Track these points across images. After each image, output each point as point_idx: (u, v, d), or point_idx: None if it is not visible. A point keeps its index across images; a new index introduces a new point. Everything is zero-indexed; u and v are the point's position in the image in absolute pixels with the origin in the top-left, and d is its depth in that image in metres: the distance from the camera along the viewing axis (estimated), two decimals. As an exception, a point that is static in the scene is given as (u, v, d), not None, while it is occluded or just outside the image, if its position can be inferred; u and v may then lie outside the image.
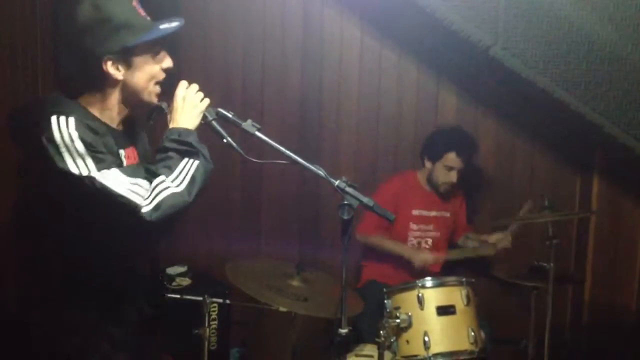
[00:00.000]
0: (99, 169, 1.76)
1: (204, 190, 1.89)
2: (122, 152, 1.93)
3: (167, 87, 1.98)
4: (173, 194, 1.81)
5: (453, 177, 3.49)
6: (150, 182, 1.80)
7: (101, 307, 1.95)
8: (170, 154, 1.88)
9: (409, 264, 3.50)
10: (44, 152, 1.76)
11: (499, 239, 3.52)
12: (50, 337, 1.93)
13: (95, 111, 1.89)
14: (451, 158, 3.46)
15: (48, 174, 1.77)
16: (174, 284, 3.41)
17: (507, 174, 4.00)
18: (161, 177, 1.82)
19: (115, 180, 1.76)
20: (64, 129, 1.76)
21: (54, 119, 1.77)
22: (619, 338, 3.77)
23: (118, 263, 1.99)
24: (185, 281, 3.45)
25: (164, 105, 1.98)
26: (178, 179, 1.84)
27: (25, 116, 1.89)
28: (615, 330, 3.78)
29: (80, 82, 1.89)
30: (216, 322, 3.31)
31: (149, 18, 1.90)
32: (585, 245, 3.85)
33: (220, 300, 3.23)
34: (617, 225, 3.80)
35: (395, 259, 3.52)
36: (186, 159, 1.88)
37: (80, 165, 1.75)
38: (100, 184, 1.75)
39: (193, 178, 1.86)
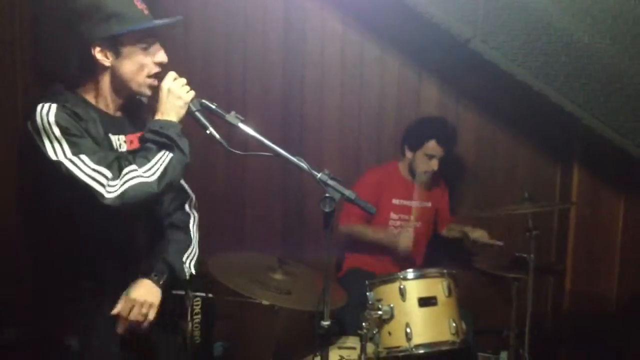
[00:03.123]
0: (72, 154, 1.83)
1: (173, 182, 1.94)
2: (117, 137, 1.99)
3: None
4: (141, 184, 1.86)
5: (434, 165, 3.52)
6: (118, 170, 1.86)
7: (104, 304, 2.01)
8: (149, 145, 1.93)
9: (390, 253, 3.52)
10: (29, 138, 1.84)
11: (482, 235, 3.55)
12: (53, 335, 2.00)
13: (91, 98, 1.96)
14: (431, 146, 3.49)
15: (35, 160, 1.85)
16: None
17: (489, 166, 4.03)
18: (133, 166, 1.88)
19: (81, 166, 1.83)
20: (44, 114, 1.84)
21: (39, 106, 1.85)
22: (599, 327, 3.82)
23: (103, 247, 2.02)
24: (168, 276, 3.44)
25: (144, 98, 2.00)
26: (151, 170, 1.89)
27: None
28: (595, 319, 3.83)
29: (72, 69, 1.96)
30: (199, 316, 3.30)
31: (146, 12, 1.94)
32: (565, 236, 3.89)
33: (203, 294, 3.22)
34: (597, 215, 3.84)
35: (377, 249, 3.54)
36: (162, 151, 1.93)
37: (56, 149, 1.83)
38: (67, 169, 1.83)
39: (165, 170, 1.91)
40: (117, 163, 1.88)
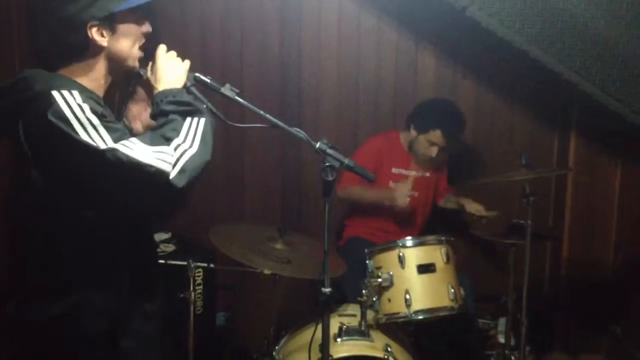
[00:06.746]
0: (115, 140, 1.67)
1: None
2: None
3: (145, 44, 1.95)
4: (193, 156, 1.74)
5: (433, 152, 3.51)
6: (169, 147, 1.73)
7: (132, 282, 1.89)
8: (172, 116, 1.81)
9: (390, 220, 3.55)
10: (54, 130, 1.65)
11: (478, 210, 3.57)
12: (77, 322, 1.82)
13: (82, 82, 1.81)
14: (436, 135, 3.47)
15: (63, 151, 1.68)
16: (158, 250, 3.43)
17: (487, 134, 4.04)
18: (176, 141, 1.75)
19: (139, 149, 1.68)
20: (72, 102, 1.67)
21: (55, 93, 1.68)
22: (597, 292, 3.87)
23: (145, 235, 1.95)
24: (170, 247, 3.47)
25: (142, 71, 1.94)
26: (188, 139, 1.77)
27: (8, 97, 1.75)
28: (592, 285, 3.88)
29: (62, 53, 1.81)
30: (201, 286, 3.34)
31: None
32: (563, 202, 3.92)
33: (205, 265, 3.26)
34: (594, 181, 3.88)
35: (377, 218, 3.57)
36: (189, 119, 1.81)
37: (96, 138, 1.65)
38: (125, 155, 1.64)
39: (204, 136, 1.80)
40: (164, 141, 1.74)
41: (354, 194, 3.50)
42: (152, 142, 1.72)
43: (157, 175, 1.68)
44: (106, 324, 1.84)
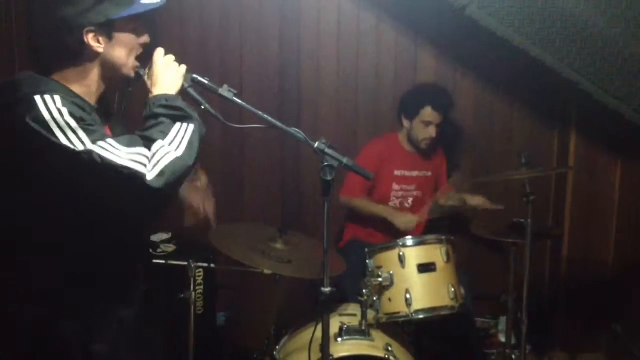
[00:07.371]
0: (93, 142, 1.66)
1: (198, 154, 1.81)
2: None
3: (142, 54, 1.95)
4: (175, 159, 1.73)
5: (432, 131, 3.53)
6: (149, 149, 1.72)
7: (111, 287, 1.89)
8: (162, 119, 1.80)
9: (391, 224, 3.54)
10: (32, 134, 1.65)
11: (482, 202, 3.57)
12: (49, 326, 1.82)
13: (74, 88, 1.81)
14: (428, 113, 3.50)
15: (41, 155, 1.68)
16: (158, 250, 3.43)
17: (487, 133, 4.05)
18: (159, 143, 1.74)
19: (114, 151, 1.67)
20: (52, 106, 1.67)
21: (37, 98, 1.68)
22: (597, 291, 3.86)
23: (127, 239, 1.92)
24: (170, 247, 3.47)
25: (142, 71, 1.95)
26: (174, 143, 1.76)
27: None
28: (592, 284, 3.87)
29: (56, 55, 1.81)
30: (202, 286, 3.34)
31: None
32: (563, 201, 3.92)
33: (205, 265, 3.26)
34: (594, 180, 3.86)
35: (378, 220, 3.57)
36: (179, 123, 1.81)
37: (74, 140, 1.65)
38: (100, 156, 1.64)
39: (191, 142, 1.79)
40: (144, 142, 1.73)
41: (358, 205, 3.55)
42: (129, 144, 1.71)
43: (131, 177, 1.67)
44: (78, 329, 1.83)
